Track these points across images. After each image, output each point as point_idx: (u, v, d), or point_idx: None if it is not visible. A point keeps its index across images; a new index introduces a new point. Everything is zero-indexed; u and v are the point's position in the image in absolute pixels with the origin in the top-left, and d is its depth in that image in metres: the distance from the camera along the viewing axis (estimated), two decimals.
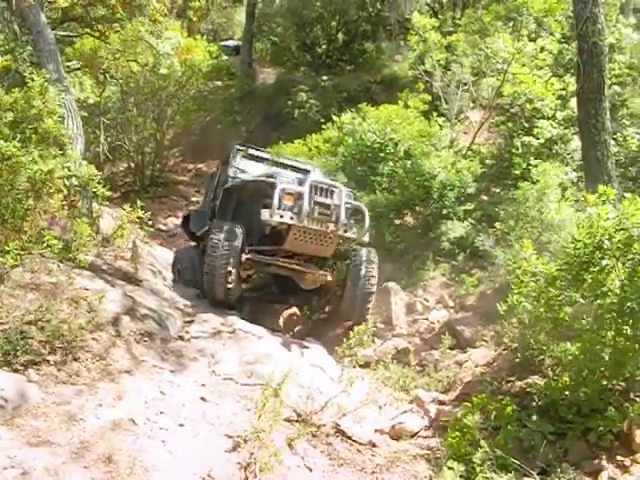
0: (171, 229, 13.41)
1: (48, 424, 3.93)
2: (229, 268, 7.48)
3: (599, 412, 4.51)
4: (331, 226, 7.55)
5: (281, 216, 7.33)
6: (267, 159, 9.67)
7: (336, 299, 8.51)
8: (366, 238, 8.11)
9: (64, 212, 6.20)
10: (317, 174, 9.54)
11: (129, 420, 4.20)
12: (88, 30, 11.57)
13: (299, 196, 7.50)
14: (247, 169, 9.26)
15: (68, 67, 11.63)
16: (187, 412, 4.59)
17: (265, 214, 7.34)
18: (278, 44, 20.73)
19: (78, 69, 12.68)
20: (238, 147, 9.62)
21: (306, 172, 9.51)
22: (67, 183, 6.02)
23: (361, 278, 8.06)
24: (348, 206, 7.89)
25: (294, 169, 9.49)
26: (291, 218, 7.38)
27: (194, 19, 20.58)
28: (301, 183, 7.73)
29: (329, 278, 8.21)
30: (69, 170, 6.10)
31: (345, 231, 7.70)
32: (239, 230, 7.67)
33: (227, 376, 5.55)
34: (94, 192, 6.72)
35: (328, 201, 7.64)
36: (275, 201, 7.24)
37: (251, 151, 9.63)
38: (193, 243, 10.36)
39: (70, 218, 6.30)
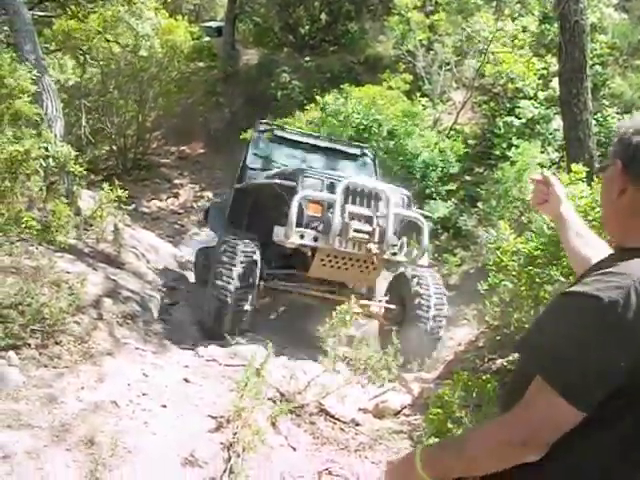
0: (154, 212, 13.32)
1: (29, 407, 3.91)
2: (246, 307, 5.74)
3: None
4: (373, 247, 5.70)
5: (302, 236, 5.58)
6: (301, 142, 7.65)
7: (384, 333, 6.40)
8: (424, 260, 6.26)
9: (42, 194, 6.14)
10: (368, 162, 7.78)
11: (111, 402, 4.18)
12: (62, 11, 11.37)
13: (330, 205, 5.74)
14: (273, 156, 7.49)
15: (47, 48, 11.43)
16: (170, 394, 4.58)
17: (279, 233, 5.60)
18: (261, 25, 20.47)
19: (59, 50, 12.48)
20: (261, 125, 7.73)
21: (355, 157, 7.78)
22: (44, 164, 5.95)
23: (428, 320, 6.15)
24: (399, 218, 6.04)
25: (339, 154, 7.67)
26: (315, 239, 5.62)
27: None
28: (333, 186, 5.86)
29: (378, 312, 6.22)
30: (46, 151, 6.00)
31: (394, 253, 5.93)
32: (257, 252, 5.83)
33: (210, 357, 5.55)
34: (72, 172, 6.63)
35: (369, 212, 5.83)
36: (292, 216, 5.49)
37: (279, 132, 7.71)
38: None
39: (49, 200, 6.25)
